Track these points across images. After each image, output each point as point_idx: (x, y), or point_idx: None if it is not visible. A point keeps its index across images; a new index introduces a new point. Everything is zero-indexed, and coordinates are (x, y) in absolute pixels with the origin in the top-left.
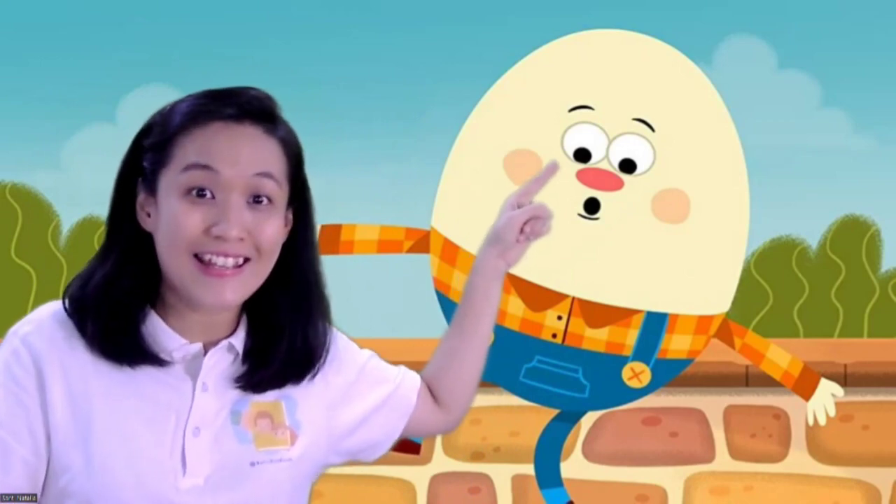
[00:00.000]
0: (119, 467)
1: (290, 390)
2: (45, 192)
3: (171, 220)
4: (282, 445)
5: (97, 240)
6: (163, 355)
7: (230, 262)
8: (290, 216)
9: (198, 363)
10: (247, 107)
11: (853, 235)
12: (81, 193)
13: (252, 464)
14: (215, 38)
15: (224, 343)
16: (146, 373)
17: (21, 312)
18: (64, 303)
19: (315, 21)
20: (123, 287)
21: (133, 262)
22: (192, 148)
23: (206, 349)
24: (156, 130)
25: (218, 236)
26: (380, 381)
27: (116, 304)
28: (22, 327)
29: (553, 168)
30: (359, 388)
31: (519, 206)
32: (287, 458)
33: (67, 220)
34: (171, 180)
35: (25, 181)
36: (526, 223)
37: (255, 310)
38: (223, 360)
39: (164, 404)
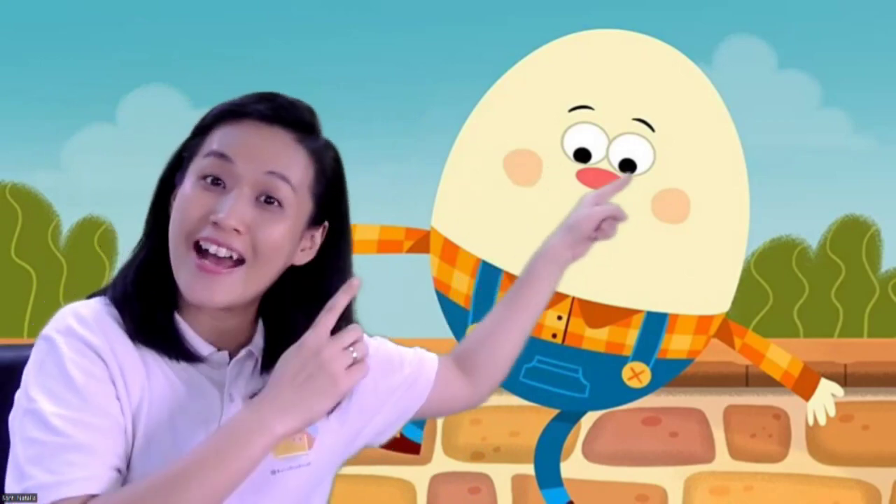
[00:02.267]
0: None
1: None
2: (45, 192)
3: (181, 202)
4: (300, 451)
5: (97, 240)
6: (196, 355)
7: (223, 251)
8: (318, 237)
9: (222, 372)
10: (280, 110)
11: (853, 235)
12: (81, 193)
13: (273, 472)
14: (215, 38)
15: (244, 351)
16: (181, 381)
17: (21, 312)
18: (109, 296)
19: (315, 21)
20: (160, 272)
21: (166, 248)
22: (217, 137)
23: (228, 357)
24: (197, 124)
25: (214, 222)
26: (393, 367)
27: (153, 288)
28: (74, 328)
29: (626, 180)
30: (373, 378)
31: (598, 205)
32: (306, 462)
33: (67, 220)
34: (193, 166)
35: (25, 181)
36: (603, 220)
37: (273, 319)
38: (245, 369)
39: (195, 413)
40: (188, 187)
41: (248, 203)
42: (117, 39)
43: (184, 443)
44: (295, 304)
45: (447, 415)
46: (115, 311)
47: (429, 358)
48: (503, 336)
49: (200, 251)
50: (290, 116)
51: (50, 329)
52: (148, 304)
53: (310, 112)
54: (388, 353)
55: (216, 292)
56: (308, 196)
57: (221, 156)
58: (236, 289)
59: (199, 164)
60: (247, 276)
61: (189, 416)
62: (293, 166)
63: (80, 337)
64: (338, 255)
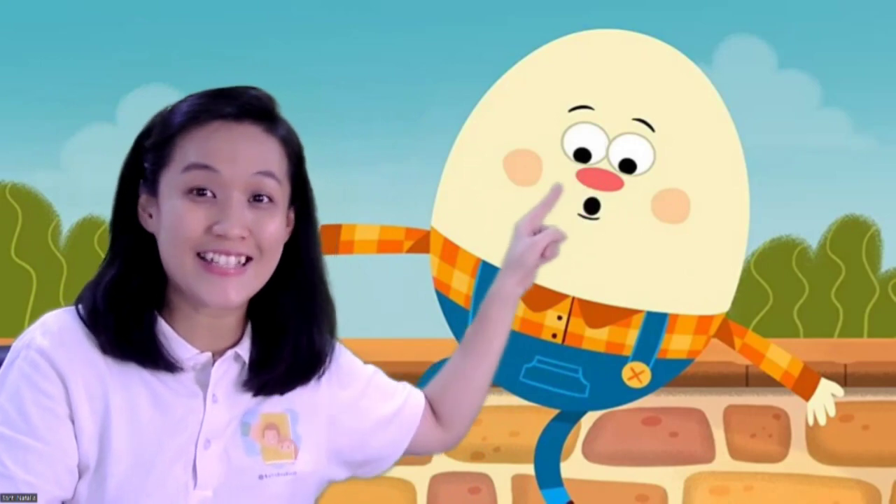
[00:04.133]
0: (134, 484)
1: (295, 402)
2: (45, 192)
3: (174, 219)
4: (287, 459)
5: (97, 240)
6: (176, 364)
7: (232, 260)
8: (292, 216)
9: (206, 373)
10: (246, 106)
11: (853, 235)
12: (81, 193)
13: (260, 477)
14: (215, 38)
15: (230, 352)
16: (160, 383)
17: (21, 312)
18: (78, 310)
19: (315, 21)
20: (132, 289)
21: (139, 264)
22: (191, 147)
23: (213, 358)
24: (156, 131)
25: (220, 235)
26: (386, 396)
27: (127, 305)
28: (36, 339)
29: (558, 191)
30: (365, 402)
31: (534, 232)
32: (292, 471)
33: (67, 220)
34: (172, 180)
35: (25, 181)
36: (546, 247)
37: (260, 313)
38: (231, 369)
39: (178, 417)
40: (176, 204)
41: (244, 207)
42: (117, 39)
43: (163, 443)
44: (280, 287)
45: (422, 455)
46: (87, 326)
47: (416, 394)
48: (466, 386)
49: (204, 259)
50: (256, 109)
51: (19, 341)
52: (121, 322)
53: (269, 99)
54: (382, 383)
55: (231, 292)
56: (287, 182)
57: (204, 167)
58: (248, 286)
59: (180, 179)
60: (256, 271)
61: (169, 417)
62: (273, 159)
63: (42, 351)
64: (308, 227)
